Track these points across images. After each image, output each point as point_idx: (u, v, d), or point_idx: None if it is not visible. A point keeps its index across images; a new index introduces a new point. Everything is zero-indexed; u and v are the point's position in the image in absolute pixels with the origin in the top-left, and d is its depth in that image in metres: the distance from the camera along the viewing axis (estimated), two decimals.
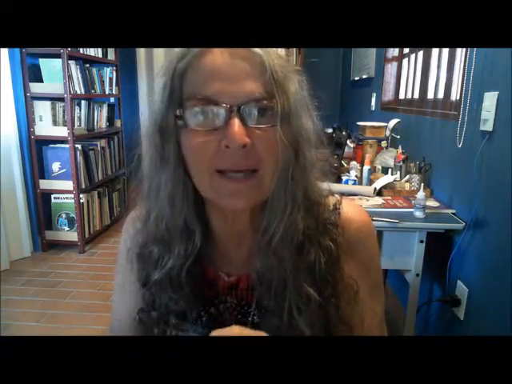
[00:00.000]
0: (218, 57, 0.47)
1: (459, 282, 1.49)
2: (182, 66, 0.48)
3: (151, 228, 0.56)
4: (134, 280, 0.60)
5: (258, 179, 0.48)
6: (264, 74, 0.46)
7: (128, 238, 0.61)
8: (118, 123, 3.57)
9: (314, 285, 0.53)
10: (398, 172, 1.89)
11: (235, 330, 0.44)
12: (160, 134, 0.50)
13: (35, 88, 2.76)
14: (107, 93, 3.35)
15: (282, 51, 0.51)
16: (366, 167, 1.90)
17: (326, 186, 0.57)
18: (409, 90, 2.52)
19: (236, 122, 0.45)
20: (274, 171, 0.49)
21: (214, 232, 0.58)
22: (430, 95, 2.11)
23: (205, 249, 0.56)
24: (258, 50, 0.47)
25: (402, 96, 2.68)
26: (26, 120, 2.78)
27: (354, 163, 2.05)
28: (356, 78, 3.67)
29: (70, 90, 2.72)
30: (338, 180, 1.87)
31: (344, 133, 2.15)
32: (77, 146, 2.86)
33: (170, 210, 0.52)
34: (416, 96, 2.34)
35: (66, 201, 2.91)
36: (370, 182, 1.88)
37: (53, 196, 2.92)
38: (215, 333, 0.44)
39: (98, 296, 2.33)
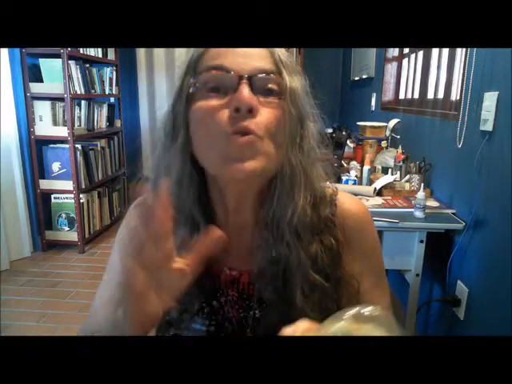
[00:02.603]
0: None
1: (459, 282, 1.49)
2: (199, 50, 0.53)
3: None
4: None
5: (264, 146, 0.50)
6: (273, 56, 0.51)
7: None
8: (117, 123, 3.57)
9: (319, 275, 0.54)
10: (398, 172, 1.89)
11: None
12: (173, 108, 0.53)
13: (35, 88, 2.76)
14: (107, 93, 3.35)
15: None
16: (366, 167, 1.90)
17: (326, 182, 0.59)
18: (409, 90, 2.52)
19: (245, 87, 0.48)
20: (279, 144, 0.51)
21: (217, 226, 0.58)
22: (430, 95, 2.11)
23: None
24: None
25: (402, 96, 2.68)
26: (26, 120, 2.78)
27: (353, 163, 2.06)
28: (356, 78, 3.67)
29: (69, 90, 2.72)
30: (338, 180, 1.87)
31: (344, 133, 2.15)
32: (77, 146, 2.86)
33: (175, 200, 0.53)
34: (416, 96, 2.34)
35: (65, 201, 2.91)
36: (370, 182, 1.88)
37: (53, 196, 2.93)
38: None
39: None
